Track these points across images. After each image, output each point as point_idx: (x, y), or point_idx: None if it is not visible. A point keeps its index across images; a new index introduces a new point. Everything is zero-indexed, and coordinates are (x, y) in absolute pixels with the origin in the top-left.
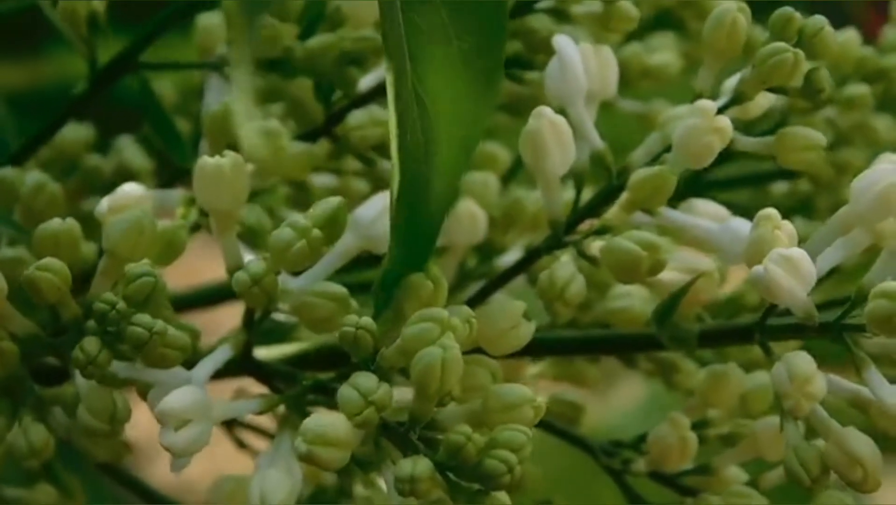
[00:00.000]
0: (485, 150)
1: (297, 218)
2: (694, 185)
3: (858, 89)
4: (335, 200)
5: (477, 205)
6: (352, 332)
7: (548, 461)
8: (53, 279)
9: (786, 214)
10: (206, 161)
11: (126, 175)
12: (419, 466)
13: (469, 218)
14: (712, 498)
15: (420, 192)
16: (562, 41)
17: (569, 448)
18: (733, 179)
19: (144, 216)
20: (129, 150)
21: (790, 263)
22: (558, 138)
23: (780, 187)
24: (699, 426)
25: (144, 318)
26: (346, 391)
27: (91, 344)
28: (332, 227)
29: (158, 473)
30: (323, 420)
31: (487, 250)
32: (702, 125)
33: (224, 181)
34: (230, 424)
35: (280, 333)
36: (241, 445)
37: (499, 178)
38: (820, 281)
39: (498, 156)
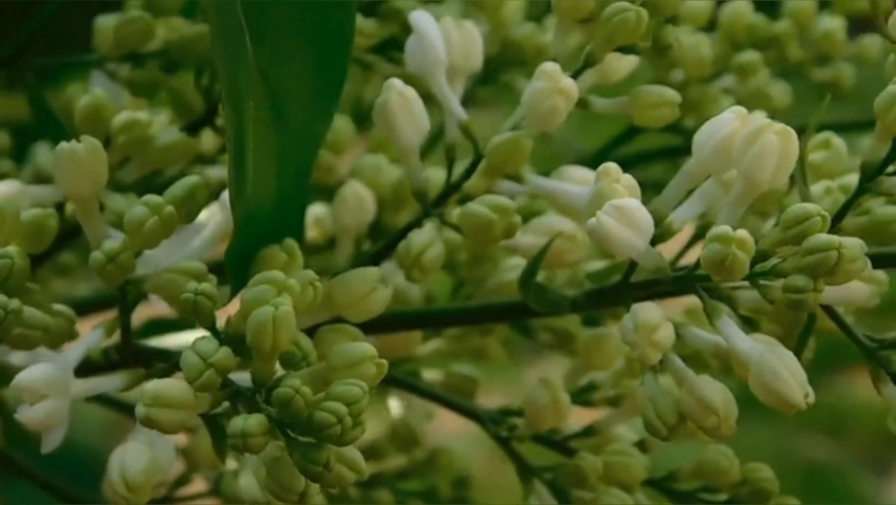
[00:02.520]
0: (377, 134)
1: (151, 197)
2: (603, 160)
3: (749, 56)
4: (192, 179)
5: (364, 186)
6: (191, 298)
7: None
8: None
9: None
10: (63, 146)
11: (42, 180)
12: (249, 421)
13: (355, 200)
14: (588, 456)
15: (265, 166)
16: (417, 16)
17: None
18: (645, 154)
19: (7, 205)
20: (44, 155)
21: (622, 213)
22: (407, 109)
23: None
24: (587, 390)
25: None
26: (186, 355)
27: None
28: (188, 204)
29: None
30: (161, 383)
31: (383, 233)
32: (546, 87)
33: (81, 166)
34: None
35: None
36: None
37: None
38: (696, 238)
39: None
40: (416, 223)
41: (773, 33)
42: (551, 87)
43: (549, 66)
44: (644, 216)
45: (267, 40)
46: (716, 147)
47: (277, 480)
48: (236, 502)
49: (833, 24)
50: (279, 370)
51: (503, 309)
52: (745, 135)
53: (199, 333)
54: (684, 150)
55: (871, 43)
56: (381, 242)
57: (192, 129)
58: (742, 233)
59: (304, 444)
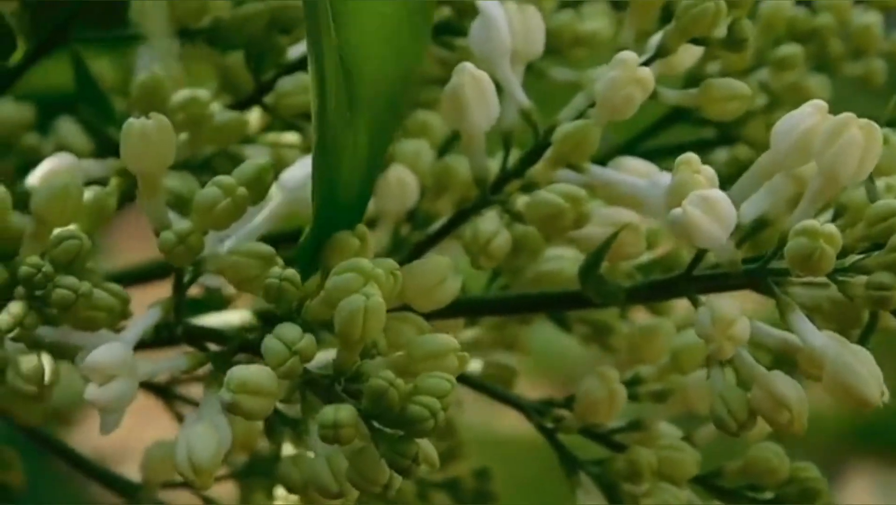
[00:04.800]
0: (418, 119)
1: (223, 177)
2: (633, 152)
3: (790, 49)
4: (260, 160)
5: (407, 171)
6: (276, 283)
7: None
8: None
9: (726, 181)
10: (132, 122)
11: None
12: (342, 411)
13: (398, 184)
14: (642, 451)
15: (343, 155)
16: (485, 1)
17: (548, 451)
18: (673, 147)
19: (72, 182)
20: (66, 128)
21: (708, 204)
22: (480, 94)
23: (720, 155)
24: (631, 383)
25: (70, 279)
26: (270, 342)
27: (17, 307)
28: (258, 186)
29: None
30: (247, 370)
31: (422, 218)
32: (622, 76)
33: (149, 142)
34: (171, 399)
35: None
36: (181, 419)
37: (435, 149)
38: (751, 232)
39: (431, 125)
40: (474, 209)
41: (814, 26)
42: (628, 76)
43: (627, 55)
44: (728, 208)
45: (350, 26)
46: (797, 141)
47: (361, 471)
48: (296, 490)
49: (870, 18)
50: None
51: (553, 299)
52: (827, 129)
53: (235, 314)
54: (714, 143)
55: None
56: (419, 230)
57: (240, 107)
58: (829, 227)
59: (390, 436)
